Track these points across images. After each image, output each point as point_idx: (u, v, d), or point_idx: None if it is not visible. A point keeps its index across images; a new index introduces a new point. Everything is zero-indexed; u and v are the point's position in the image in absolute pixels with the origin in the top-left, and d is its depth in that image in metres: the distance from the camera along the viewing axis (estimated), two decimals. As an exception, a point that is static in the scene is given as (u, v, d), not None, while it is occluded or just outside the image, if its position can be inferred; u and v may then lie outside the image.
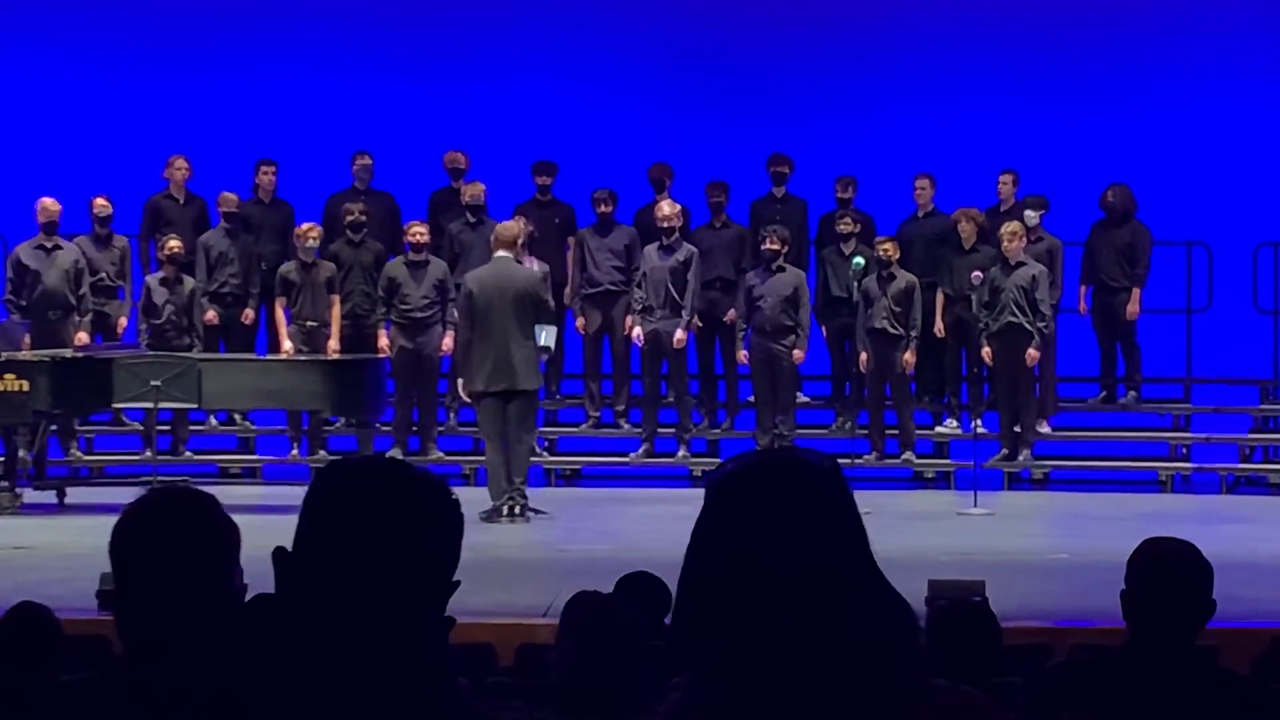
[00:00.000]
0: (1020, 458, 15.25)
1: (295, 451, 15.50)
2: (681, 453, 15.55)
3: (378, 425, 15.19)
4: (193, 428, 15.55)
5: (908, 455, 15.19)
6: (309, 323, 15.12)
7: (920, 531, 12.40)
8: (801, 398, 15.70)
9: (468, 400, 13.40)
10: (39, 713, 2.71)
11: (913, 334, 14.97)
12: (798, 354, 14.98)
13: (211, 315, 15.30)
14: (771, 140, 16.34)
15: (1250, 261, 16.29)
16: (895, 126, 17.30)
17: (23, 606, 5.32)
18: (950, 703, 2.33)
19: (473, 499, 12.10)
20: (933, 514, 13.55)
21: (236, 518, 2.90)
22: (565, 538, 12.51)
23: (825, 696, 2.27)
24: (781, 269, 14.91)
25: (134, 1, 17.87)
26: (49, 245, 15.04)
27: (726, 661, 2.28)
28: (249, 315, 15.51)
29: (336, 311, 15.19)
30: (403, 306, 15.05)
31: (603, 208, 15.57)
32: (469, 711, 2.49)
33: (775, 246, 14.87)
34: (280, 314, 15.24)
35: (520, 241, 13.51)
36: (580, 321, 15.63)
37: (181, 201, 15.91)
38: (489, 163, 16.28)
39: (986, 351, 14.91)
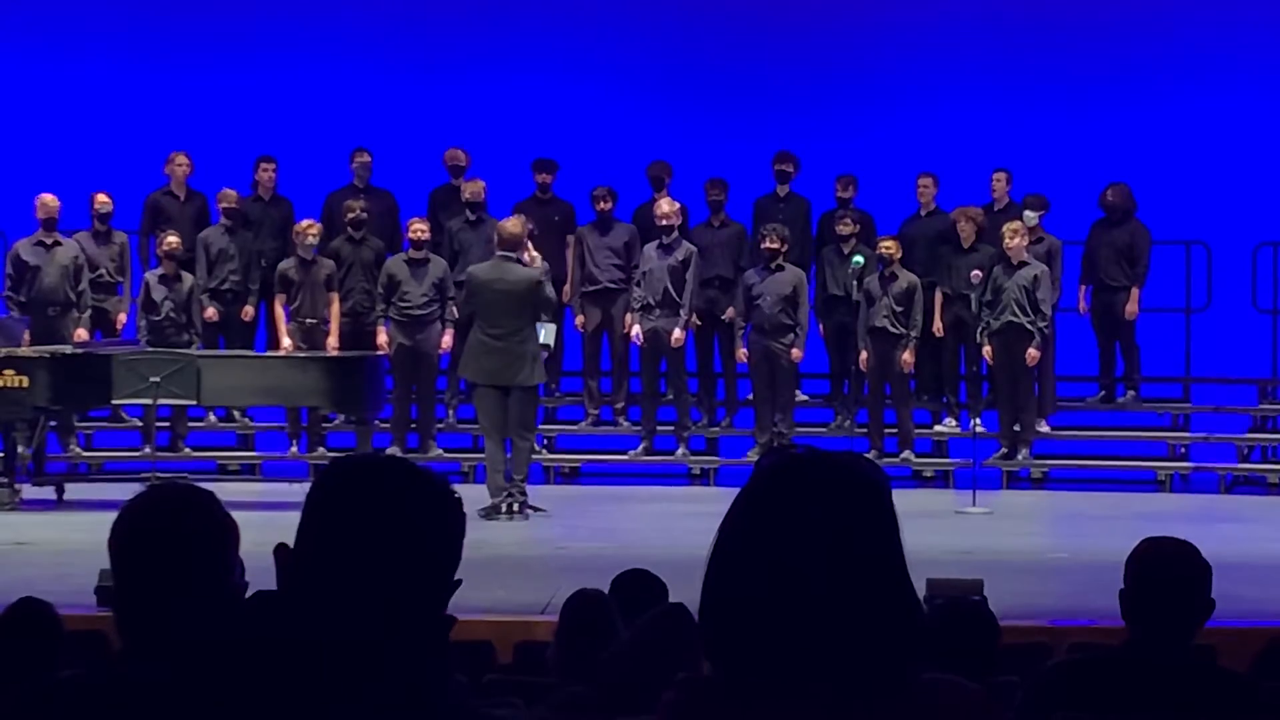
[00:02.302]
0: (1019, 457, 15.24)
1: (294, 448, 15.49)
2: (680, 450, 15.55)
3: (377, 422, 15.18)
4: (192, 424, 15.55)
5: (906, 454, 15.18)
6: (308, 320, 15.12)
7: (919, 530, 12.17)
8: (800, 396, 15.71)
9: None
10: (38, 708, 2.71)
11: (913, 333, 14.97)
12: (796, 353, 14.98)
13: (211, 312, 15.30)
14: (771, 138, 16.33)
15: (1249, 261, 16.27)
16: (896, 125, 17.28)
17: (24, 602, 5.32)
18: (952, 699, 2.34)
19: (472, 496, 12.06)
20: (931, 513, 13.52)
21: (235, 514, 2.90)
22: (564, 535, 12.50)
23: (834, 697, 2.27)
24: (780, 268, 14.91)
25: (134, -2, 17.87)
26: (49, 241, 15.04)
27: (748, 651, 2.28)
28: (248, 312, 15.50)
29: (336, 309, 15.19)
30: (402, 304, 15.04)
31: (602, 205, 15.56)
32: (467, 709, 2.49)
33: (774, 245, 14.87)
34: (280, 311, 15.23)
35: (523, 240, 13.44)
36: (579, 319, 15.62)
37: (182, 198, 15.90)
38: (489, 160, 16.28)
39: (987, 350, 14.90)
